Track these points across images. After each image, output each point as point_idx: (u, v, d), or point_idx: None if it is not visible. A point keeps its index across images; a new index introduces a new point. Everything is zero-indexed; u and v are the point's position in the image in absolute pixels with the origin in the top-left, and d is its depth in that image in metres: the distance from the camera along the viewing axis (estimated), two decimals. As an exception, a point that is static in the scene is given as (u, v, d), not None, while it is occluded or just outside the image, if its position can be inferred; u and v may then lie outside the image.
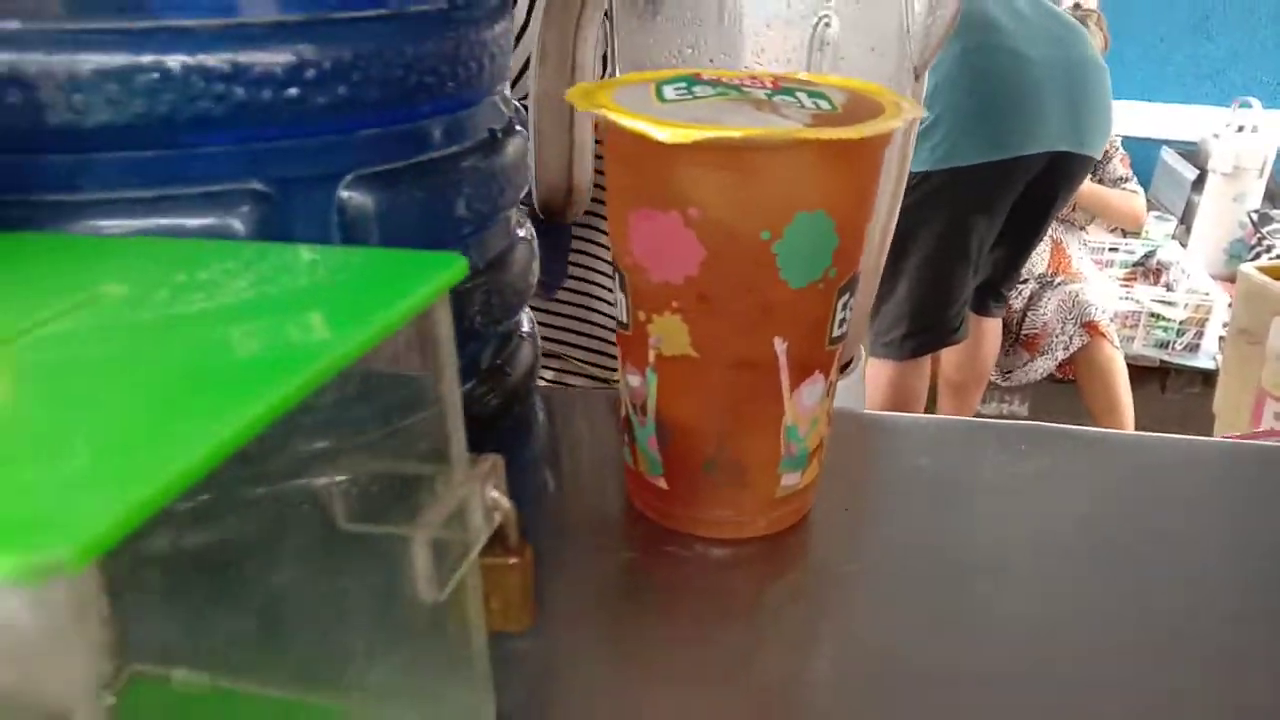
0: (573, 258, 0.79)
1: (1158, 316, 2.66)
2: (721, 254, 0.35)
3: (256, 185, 0.34)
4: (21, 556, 0.13)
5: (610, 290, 0.82)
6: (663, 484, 0.40)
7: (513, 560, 0.29)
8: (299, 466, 0.26)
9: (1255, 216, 2.96)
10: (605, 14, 0.61)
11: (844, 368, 0.61)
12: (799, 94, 0.38)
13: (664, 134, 0.32)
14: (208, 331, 0.21)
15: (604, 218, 0.81)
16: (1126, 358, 2.44)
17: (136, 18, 0.31)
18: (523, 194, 0.48)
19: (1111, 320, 2.45)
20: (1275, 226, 2.93)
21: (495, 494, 0.28)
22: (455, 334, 0.26)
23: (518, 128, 0.47)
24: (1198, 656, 0.35)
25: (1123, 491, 0.46)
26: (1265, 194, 3.07)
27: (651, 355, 0.38)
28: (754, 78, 0.39)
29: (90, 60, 0.31)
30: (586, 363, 0.81)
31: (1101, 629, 0.36)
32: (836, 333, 0.38)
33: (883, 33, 0.50)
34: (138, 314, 0.22)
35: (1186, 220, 3.16)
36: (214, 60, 0.32)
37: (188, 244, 0.29)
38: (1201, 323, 2.65)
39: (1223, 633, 0.37)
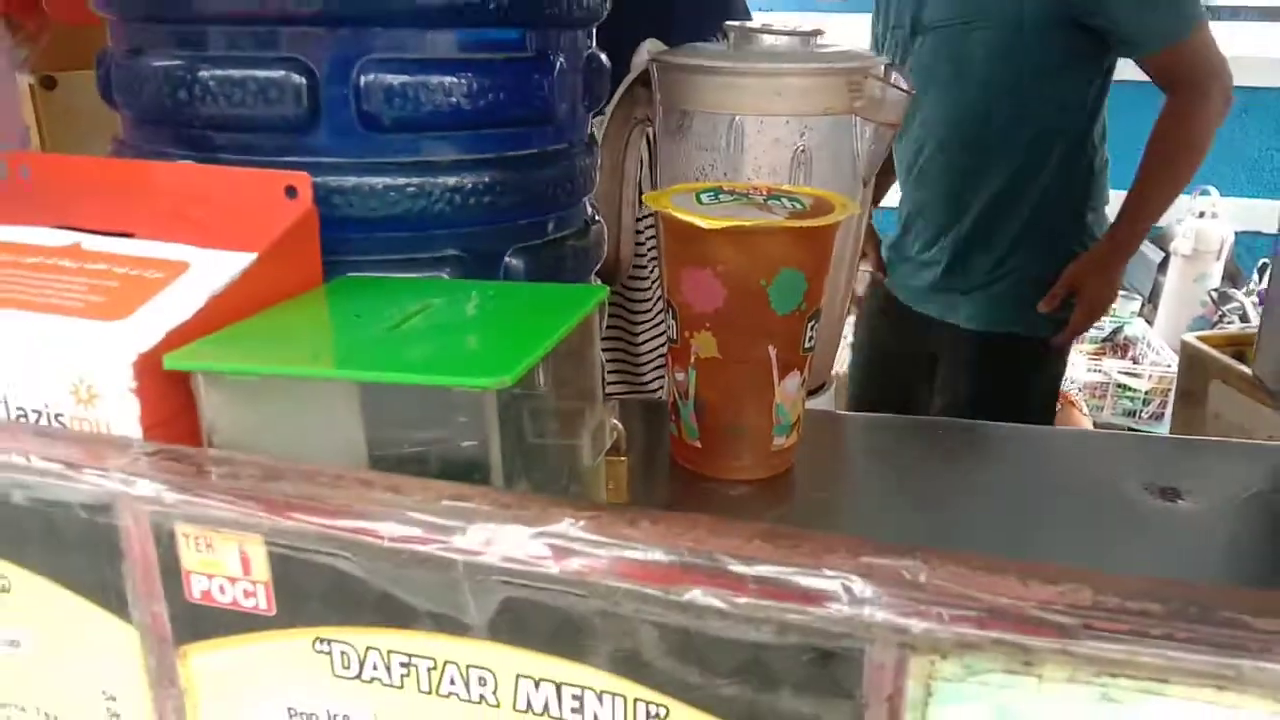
0: (614, 310, 1.03)
1: (1124, 387, 2.89)
2: (735, 294, 0.58)
3: (458, 253, 0.58)
4: (488, 378, 0.36)
5: (639, 329, 1.05)
6: (698, 444, 0.63)
7: (621, 459, 0.52)
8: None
9: (1215, 295, 3.22)
10: (647, 139, 0.85)
11: (819, 389, 0.84)
12: (783, 199, 0.62)
13: (704, 224, 0.56)
14: (498, 316, 0.44)
15: (641, 280, 1.05)
16: (1096, 424, 2.67)
17: (409, 156, 0.55)
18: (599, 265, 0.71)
19: (1080, 391, 2.68)
20: (1234, 304, 3.18)
21: (614, 421, 0.51)
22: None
23: (596, 218, 0.71)
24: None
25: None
26: (1224, 274, 3.33)
27: (692, 358, 0.61)
28: (755, 188, 0.63)
29: (379, 181, 0.55)
30: (621, 382, 1.04)
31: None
32: (807, 345, 0.61)
33: (841, 154, 0.75)
34: (455, 310, 0.45)
35: (1153, 298, 3.42)
36: (443, 180, 0.56)
37: (442, 282, 0.52)
38: (1165, 392, 2.88)
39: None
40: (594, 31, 0.66)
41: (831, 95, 0.72)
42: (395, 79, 0.53)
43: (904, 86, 0.73)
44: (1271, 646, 0.27)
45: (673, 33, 0.83)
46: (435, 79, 0.54)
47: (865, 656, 0.30)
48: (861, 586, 0.30)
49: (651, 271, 1.08)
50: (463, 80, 0.55)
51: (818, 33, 0.77)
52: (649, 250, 1.07)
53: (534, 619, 0.34)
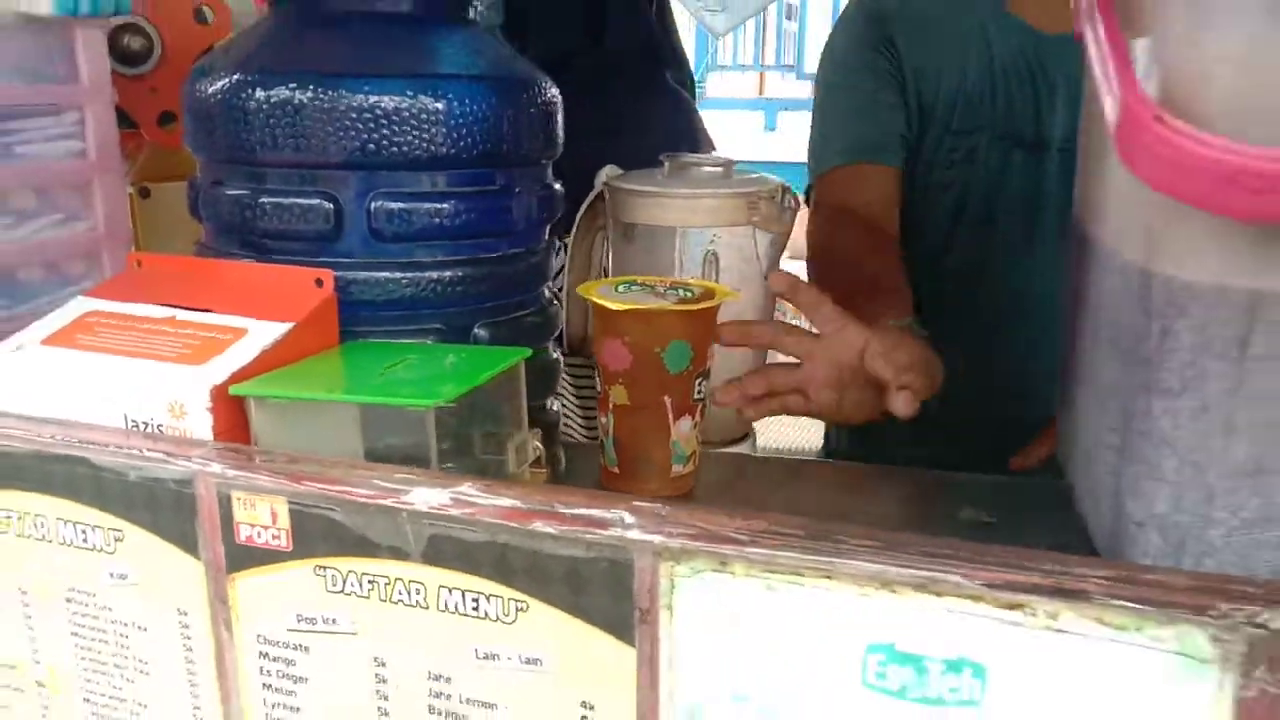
0: (586, 372, 1.24)
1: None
2: (639, 358, 0.80)
3: (439, 326, 0.80)
4: (429, 400, 0.58)
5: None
6: (617, 470, 0.84)
7: (541, 470, 0.73)
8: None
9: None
10: (605, 239, 1.08)
11: (743, 439, 1.04)
12: (679, 289, 0.83)
13: (614, 306, 0.78)
14: (456, 366, 0.66)
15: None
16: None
17: (404, 258, 0.77)
18: (555, 334, 0.93)
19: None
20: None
21: (536, 443, 0.72)
22: (528, 388, 0.70)
23: (553, 301, 0.93)
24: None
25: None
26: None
27: (610, 404, 0.82)
28: (660, 280, 0.85)
29: (381, 275, 0.77)
30: (591, 428, 1.25)
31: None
32: (696, 396, 0.82)
33: (746, 255, 0.97)
34: (427, 363, 0.67)
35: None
36: (428, 275, 0.78)
37: (424, 345, 0.74)
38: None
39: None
40: (550, 166, 0.89)
41: (735, 212, 0.94)
42: (395, 205, 0.76)
43: (792, 205, 0.95)
44: (854, 553, 0.48)
45: (628, 159, 1.06)
46: (424, 205, 0.77)
47: (634, 563, 0.51)
48: (630, 518, 0.51)
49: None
50: (445, 206, 0.78)
51: (732, 163, 1.00)
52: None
53: (447, 548, 0.55)
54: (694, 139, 1.52)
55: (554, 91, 0.86)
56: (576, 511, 0.52)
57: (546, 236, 0.90)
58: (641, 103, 1.46)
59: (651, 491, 0.83)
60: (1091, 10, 0.57)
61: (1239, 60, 0.50)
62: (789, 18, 5.54)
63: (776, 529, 0.50)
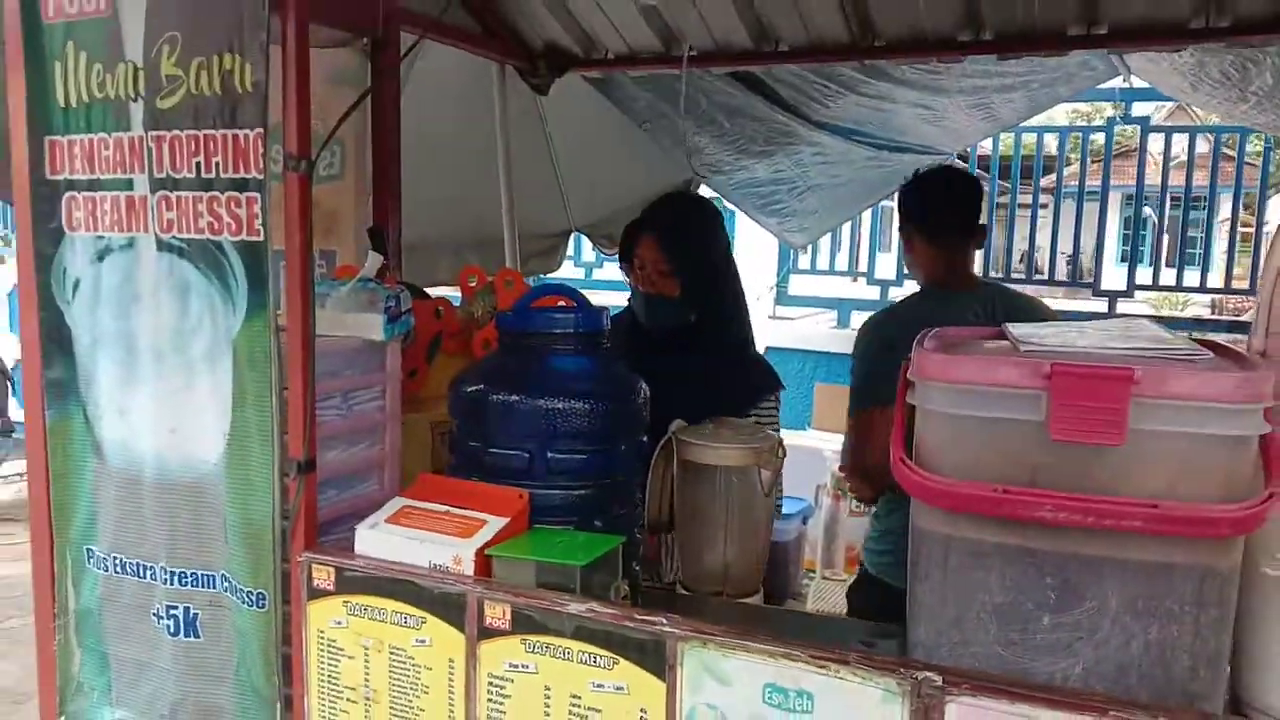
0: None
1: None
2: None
3: (578, 520, 1.49)
4: (576, 562, 1.26)
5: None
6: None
7: (625, 599, 1.39)
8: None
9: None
10: (672, 468, 1.76)
11: (754, 593, 1.68)
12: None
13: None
14: (586, 543, 1.34)
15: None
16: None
17: (564, 483, 1.47)
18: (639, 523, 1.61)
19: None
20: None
21: (625, 587, 1.39)
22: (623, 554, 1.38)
23: (639, 506, 1.61)
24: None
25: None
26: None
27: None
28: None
29: (551, 493, 1.47)
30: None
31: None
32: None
33: (754, 481, 1.63)
34: (572, 541, 1.36)
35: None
36: (574, 493, 1.48)
37: (570, 531, 1.43)
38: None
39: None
40: (643, 426, 1.58)
41: (756, 457, 1.61)
42: (559, 458, 1.46)
43: (782, 454, 1.61)
44: (759, 641, 1.13)
45: (697, 413, 1.75)
46: (574, 458, 1.47)
47: (666, 641, 1.17)
48: (665, 620, 1.17)
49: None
50: (583, 458, 1.47)
51: (752, 427, 1.67)
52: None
53: (582, 631, 1.21)
54: (747, 383, 2.19)
55: (645, 391, 1.56)
56: (645, 617, 1.18)
57: (639, 472, 1.59)
58: (710, 362, 2.15)
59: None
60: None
61: None
62: (859, 229, 6.35)
63: (731, 632, 1.15)
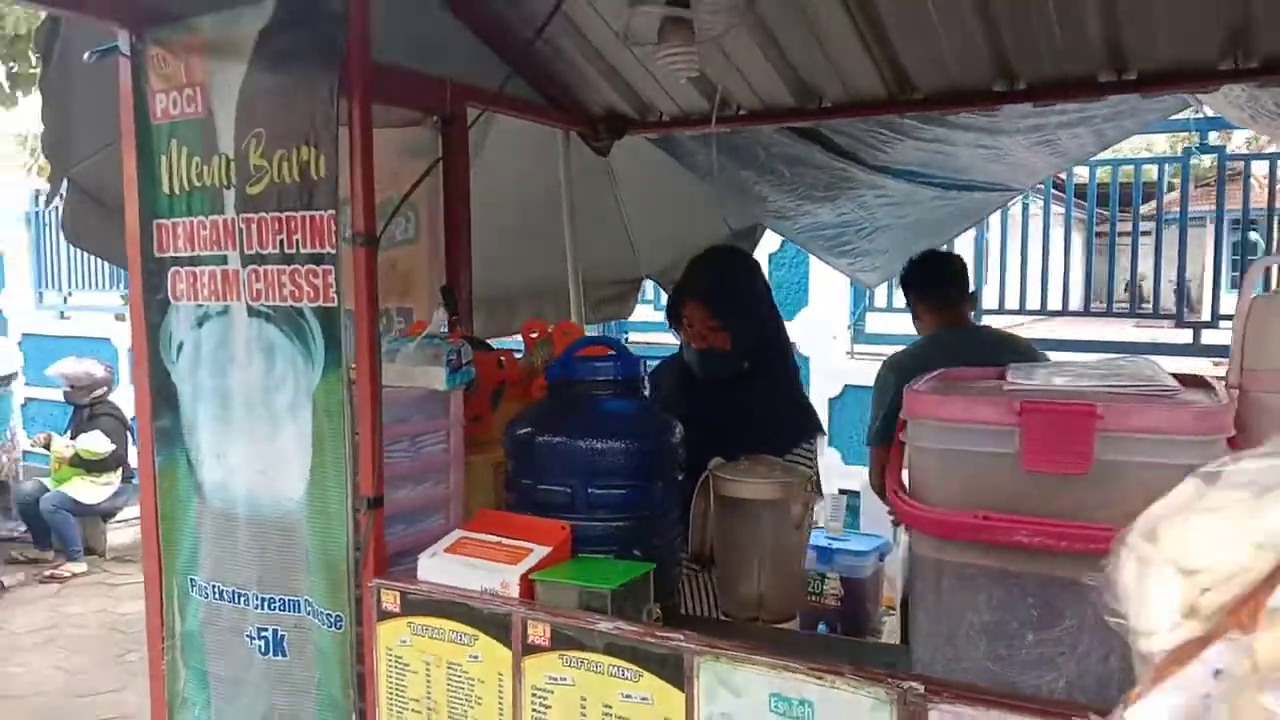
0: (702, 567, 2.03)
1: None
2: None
3: (616, 549, 1.64)
4: (609, 585, 1.41)
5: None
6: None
7: (657, 618, 1.54)
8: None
9: None
10: (710, 503, 1.90)
11: (790, 618, 1.79)
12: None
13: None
14: (622, 569, 1.49)
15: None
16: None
17: (603, 518, 1.63)
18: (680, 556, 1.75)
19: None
20: None
21: (657, 610, 1.53)
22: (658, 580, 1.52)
23: (679, 537, 1.75)
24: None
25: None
26: None
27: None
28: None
29: (592, 525, 1.62)
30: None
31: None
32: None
33: (788, 514, 1.76)
34: (608, 566, 1.51)
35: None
36: (613, 524, 1.63)
37: (609, 560, 1.58)
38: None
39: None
40: (678, 464, 1.73)
41: (787, 491, 1.74)
42: (599, 493, 1.62)
43: (813, 489, 1.74)
44: (763, 653, 1.26)
45: (740, 454, 1.89)
46: (613, 494, 1.62)
47: (684, 657, 1.30)
48: (682, 638, 1.31)
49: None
50: (622, 494, 1.63)
51: (779, 463, 1.80)
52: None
53: (612, 647, 1.36)
54: (790, 427, 2.31)
55: (679, 432, 1.71)
56: (664, 634, 1.32)
57: (674, 506, 1.73)
58: (758, 406, 2.27)
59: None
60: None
61: None
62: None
63: (739, 647, 1.28)
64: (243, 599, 1.71)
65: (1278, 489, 0.64)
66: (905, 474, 1.36)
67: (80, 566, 5.99)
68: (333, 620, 1.61)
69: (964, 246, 5.65)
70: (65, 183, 2.30)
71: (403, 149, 2.43)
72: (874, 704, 1.19)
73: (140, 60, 1.79)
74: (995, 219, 5.77)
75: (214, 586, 1.74)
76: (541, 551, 1.53)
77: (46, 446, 6.38)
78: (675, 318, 2.40)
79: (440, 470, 1.84)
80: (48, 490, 6.17)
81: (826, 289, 6.01)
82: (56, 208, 2.34)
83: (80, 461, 6.14)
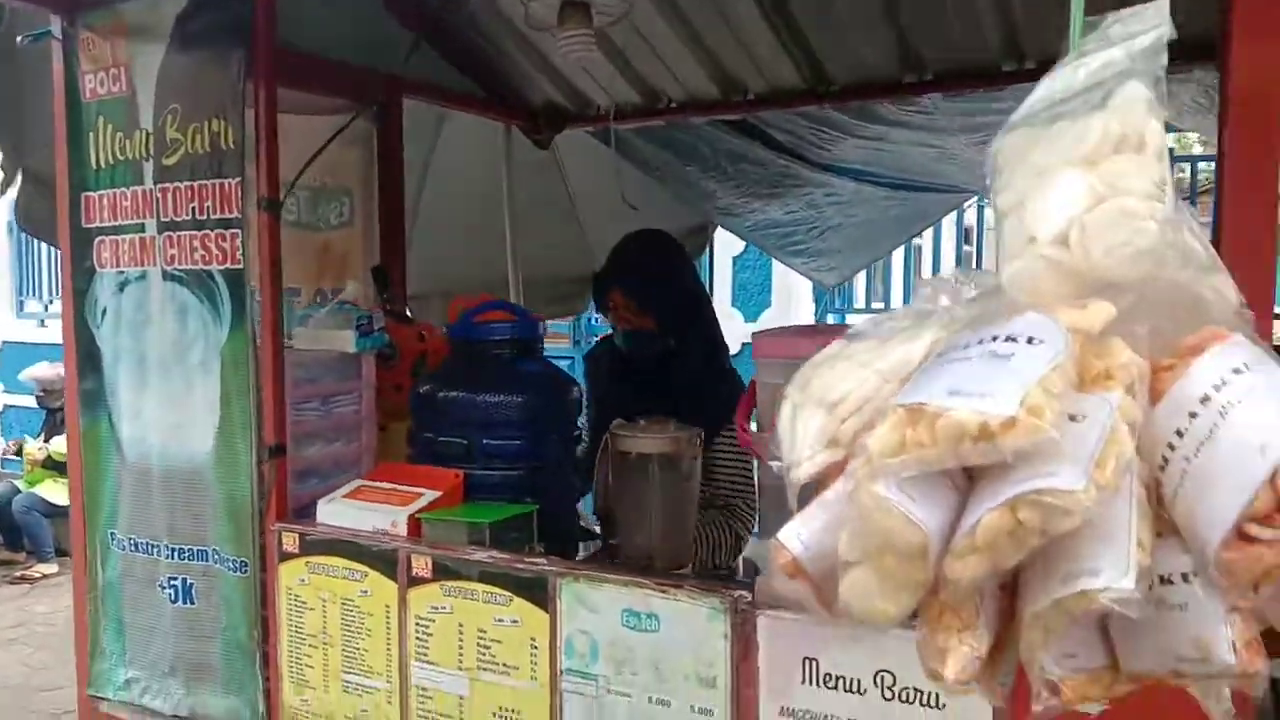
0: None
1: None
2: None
3: (508, 496, 1.74)
4: (485, 520, 1.51)
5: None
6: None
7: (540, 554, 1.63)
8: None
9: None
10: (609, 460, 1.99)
11: (680, 567, 1.89)
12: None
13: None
14: (508, 510, 1.59)
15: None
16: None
17: (497, 467, 1.73)
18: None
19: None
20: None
21: (540, 547, 1.63)
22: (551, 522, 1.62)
23: (577, 480, 1.84)
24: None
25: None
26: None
27: (585, 539, 1.72)
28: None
29: (484, 474, 1.72)
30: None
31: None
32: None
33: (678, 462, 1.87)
34: (494, 511, 1.60)
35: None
36: (502, 473, 1.73)
37: (497, 504, 1.68)
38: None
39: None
40: (573, 421, 1.83)
41: (676, 445, 1.85)
42: (493, 444, 1.72)
43: (699, 441, 1.84)
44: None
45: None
46: (506, 444, 1.72)
47: (548, 580, 1.40)
48: (543, 560, 1.40)
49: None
50: (514, 445, 1.73)
51: (670, 422, 1.92)
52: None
53: (490, 572, 1.45)
54: (721, 404, 2.38)
55: (575, 392, 1.81)
56: (531, 560, 1.42)
57: (569, 458, 1.83)
58: (686, 386, 2.36)
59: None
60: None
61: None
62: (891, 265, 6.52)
63: (595, 567, 1.38)
64: (155, 549, 1.80)
65: (896, 338, 0.76)
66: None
67: (51, 567, 6.05)
68: (238, 565, 1.71)
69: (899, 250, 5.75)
70: (19, 172, 2.40)
71: (341, 139, 2.54)
72: (710, 613, 1.29)
73: (72, 44, 1.90)
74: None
75: (130, 539, 1.84)
76: (431, 495, 1.63)
77: (18, 453, 6.45)
78: (602, 307, 2.49)
79: (352, 429, 1.94)
80: (20, 492, 6.24)
81: (789, 291, 6.13)
82: (15, 200, 2.45)
83: (53, 464, 6.21)
